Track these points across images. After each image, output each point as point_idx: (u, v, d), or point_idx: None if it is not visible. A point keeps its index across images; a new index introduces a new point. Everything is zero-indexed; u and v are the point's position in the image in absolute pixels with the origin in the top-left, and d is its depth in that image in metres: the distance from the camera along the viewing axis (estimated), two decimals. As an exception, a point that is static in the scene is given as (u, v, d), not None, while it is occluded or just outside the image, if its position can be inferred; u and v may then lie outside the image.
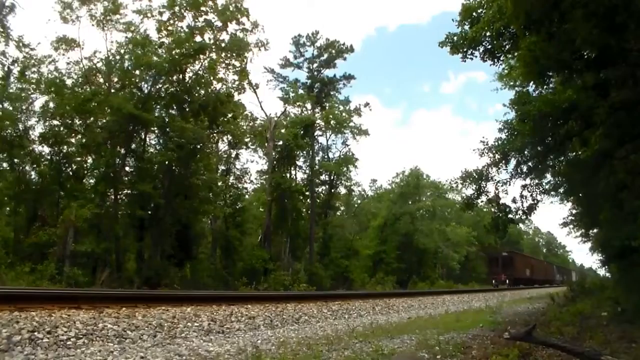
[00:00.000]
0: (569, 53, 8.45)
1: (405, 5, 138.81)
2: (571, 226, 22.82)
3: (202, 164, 22.00)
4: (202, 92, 22.35)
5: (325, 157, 34.83)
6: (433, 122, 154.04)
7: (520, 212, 12.14)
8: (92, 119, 20.28)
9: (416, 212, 42.46)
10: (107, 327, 6.52)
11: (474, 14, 10.55)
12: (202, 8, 21.68)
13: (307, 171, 32.94)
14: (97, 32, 21.02)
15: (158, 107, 21.73)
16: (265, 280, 22.91)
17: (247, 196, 31.63)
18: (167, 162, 20.24)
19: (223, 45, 22.56)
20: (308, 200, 32.26)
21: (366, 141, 77.79)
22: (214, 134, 24.47)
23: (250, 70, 25.61)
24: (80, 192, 19.31)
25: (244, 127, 28.72)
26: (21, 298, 7.14)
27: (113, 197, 20.23)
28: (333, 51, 33.66)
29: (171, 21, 21.72)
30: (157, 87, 21.46)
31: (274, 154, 29.13)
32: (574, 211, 19.64)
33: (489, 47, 10.54)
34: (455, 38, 10.74)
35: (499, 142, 11.68)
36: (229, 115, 24.32)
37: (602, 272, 29.95)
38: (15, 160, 19.12)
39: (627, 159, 9.32)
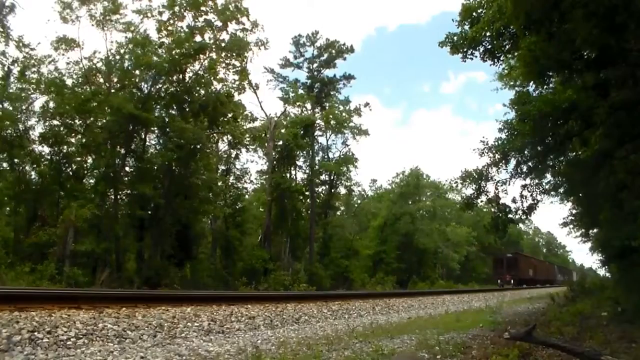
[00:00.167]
0: (569, 53, 8.46)
1: (405, 5, 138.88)
2: (571, 226, 22.79)
3: (202, 163, 22.02)
4: (202, 92, 22.36)
5: (325, 157, 34.90)
6: (433, 122, 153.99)
7: (520, 212, 12.14)
8: (92, 119, 20.29)
9: (416, 212, 42.50)
10: (107, 327, 6.51)
11: (474, 14, 10.54)
12: (202, 8, 21.69)
13: (307, 171, 32.98)
14: (97, 32, 21.09)
15: (158, 107, 21.75)
16: (265, 280, 22.92)
17: (247, 196, 31.68)
18: (167, 162, 20.26)
19: (223, 45, 22.57)
20: (308, 200, 32.28)
21: (366, 141, 77.95)
22: (214, 134, 24.48)
23: (250, 70, 25.69)
24: (80, 192, 19.32)
25: (244, 127, 28.74)
26: (21, 298, 7.13)
27: (113, 197, 20.24)
28: (333, 51, 33.70)
29: (171, 21, 21.75)
30: (157, 87, 21.49)
31: (274, 154, 29.14)
32: (574, 211, 19.62)
33: (489, 47, 10.53)
34: (455, 38, 10.73)
35: (499, 142, 11.67)
36: (229, 116, 24.33)
37: (602, 272, 29.94)
38: (15, 160, 19.13)
39: (627, 159, 9.31)
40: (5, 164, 19.57)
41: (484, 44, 10.48)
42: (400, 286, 33.30)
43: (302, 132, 29.95)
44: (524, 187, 12.06)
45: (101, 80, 21.26)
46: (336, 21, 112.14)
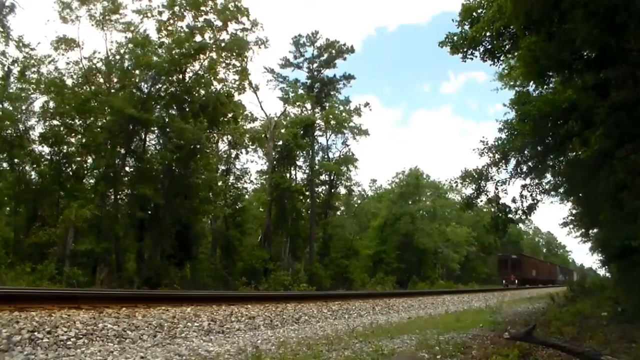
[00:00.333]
0: (569, 53, 8.45)
1: (405, 5, 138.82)
2: (571, 226, 22.78)
3: (202, 163, 22.01)
4: (202, 92, 22.36)
5: (325, 157, 34.91)
6: (433, 122, 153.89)
7: (520, 212, 12.14)
8: (92, 119, 20.30)
9: (416, 212, 42.50)
10: (107, 327, 6.51)
11: (474, 14, 10.54)
12: (202, 8, 21.68)
13: (307, 171, 32.98)
14: (96, 32, 21.09)
15: (158, 107, 21.75)
16: (265, 280, 22.92)
17: (247, 196, 31.66)
18: (167, 163, 20.25)
19: (223, 45, 22.57)
20: (308, 200, 32.28)
21: (366, 141, 77.85)
22: (214, 135, 24.48)
23: (250, 70, 25.67)
24: (80, 192, 19.33)
25: (244, 127, 28.74)
26: (21, 298, 7.13)
27: (113, 197, 20.24)
28: (333, 51, 33.70)
29: (171, 21, 21.74)
30: (157, 87, 21.48)
31: (274, 154, 29.14)
32: (574, 211, 19.62)
33: (489, 47, 10.53)
34: (455, 38, 10.72)
35: (499, 141, 11.67)
36: (229, 116, 24.32)
37: (602, 272, 29.94)
38: (15, 160, 19.14)
39: (627, 159, 9.30)
40: (5, 164, 19.60)
41: (484, 44, 10.47)
42: (400, 286, 33.30)
43: (302, 132, 29.96)
44: (523, 187, 12.07)
45: (101, 80, 21.26)
46: (336, 21, 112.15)
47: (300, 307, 11.30)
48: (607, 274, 22.34)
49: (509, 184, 11.74)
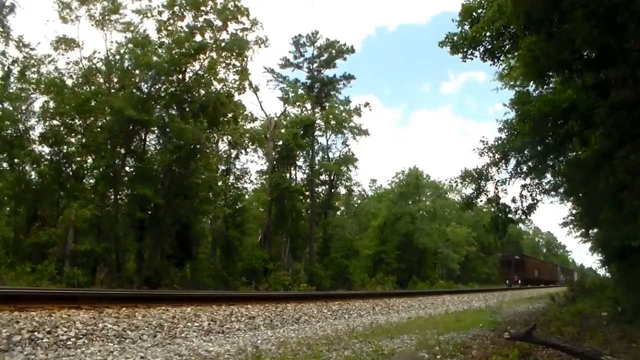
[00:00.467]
0: (569, 53, 8.45)
1: (405, 5, 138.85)
2: (571, 226, 22.79)
3: (202, 163, 22.00)
4: (202, 92, 22.35)
5: (325, 157, 34.87)
6: (433, 122, 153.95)
7: (520, 211, 12.13)
8: (92, 119, 20.29)
9: (416, 212, 42.49)
10: (107, 327, 6.51)
11: (474, 14, 10.53)
12: (202, 8, 21.67)
13: (307, 171, 32.95)
14: (96, 32, 21.09)
15: (158, 107, 21.73)
16: (265, 280, 22.92)
17: (247, 196, 31.65)
18: (166, 163, 20.25)
19: (223, 45, 22.56)
20: (308, 200, 32.26)
21: (366, 141, 77.78)
22: (214, 135, 24.48)
23: (250, 71, 25.64)
24: (80, 192, 19.32)
25: (244, 127, 28.71)
26: (21, 298, 7.13)
27: (113, 197, 20.24)
28: (333, 51, 33.67)
29: (171, 21, 21.73)
30: (157, 87, 21.46)
31: (274, 154, 29.13)
32: (574, 211, 19.62)
33: (489, 47, 10.52)
34: (455, 38, 10.72)
35: (499, 141, 11.66)
36: (229, 116, 24.31)
37: (602, 272, 29.95)
38: (15, 160, 19.13)
39: (627, 159, 9.31)
40: (5, 164, 19.58)
41: (484, 44, 10.46)
42: (400, 286, 33.29)
43: (302, 132, 29.94)
44: (523, 187, 12.07)
45: (101, 80, 21.26)
46: (336, 21, 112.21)
47: (300, 307, 11.30)
48: (607, 274, 22.36)
49: (509, 184, 11.75)
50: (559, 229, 62.84)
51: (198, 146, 20.89)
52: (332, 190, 35.16)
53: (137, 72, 20.78)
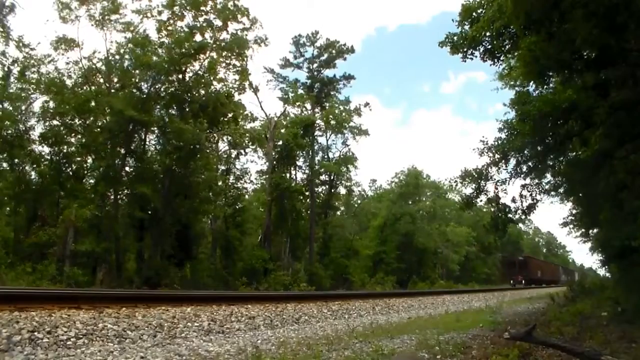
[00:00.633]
0: (569, 53, 8.45)
1: (405, 5, 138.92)
2: (571, 226, 22.79)
3: (202, 163, 22.00)
4: (202, 92, 22.35)
5: (325, 157, 34.89)
6: (433, 122, 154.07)
7: (519, 211, 12.14)
8: (92, 119, 20.28)
9: (416, 212, 42.49)
10: (107, 327, 6.51)
11: (474, 14, 10.53)
12: (202, 8, 21.67)
13: (307, 171, 32.96)
14: (96, 32, 21.09)
15: (158, 107, 21.73)
16: (265, 280, 22.92)
17: (247, 196, 31.64)
18: (166, 163, 20.24)
19: (223, 44, 22.56)
20: (308, 200, 32.26)
21: (366, 141, 77.74)
22: (214, 135, 24.47)
23: (250, 71, 25.60)
24: (80, 192, 19.33)
25: (244, 127, 28.68)
26: (21, 298, 7.13)
27: (113, 197, 20.23)
28: (333, 51, 33.69)
29: (171, 21, 21.72)
30: (157, 87, 21.46)
31: (273, 154, 29.12)
32: (574, 211, 19.61)
33: (489, 47, 10.51)
34: (455, 38, 10.71)
35: (499, 141, 11.66)
36: (229, 116, 24.31)
37: (602, 272, 29.96)
38: (15, 160, 19.12)
39: (627, 159, 9.31)
40: (5, 164, 19.57)
41: (484, 44, 10.46)
42: (400, 286, 33.29)
43: (302, 132, 29.93)
44: (523, 186, 12.07)
45: (101, 80, 21.25)
46: (336, 21, 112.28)
47: (300, 307, 11.30)
48: (607, 274, 22.36)
49: (508, 184, 11.75)
50: (559, 229, 63.11)
51: (198, 146, 20.89)
52: (332, 190, 35.16)
53: (137, 72, 20.78)
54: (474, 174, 11.85)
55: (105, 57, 20.79)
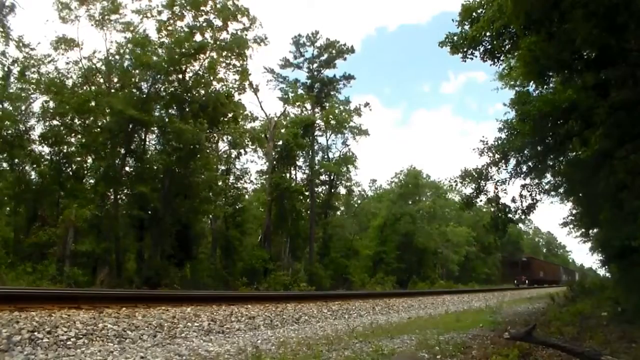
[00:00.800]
0: (569, 53, 8.46)
1: (405, 5, 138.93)
2: (571, 226, 22.80)
3: (202, 163, 22.00)
4: (202, 92, 22.34)
5: (325, 157, 34.88)
6: (433, 122, 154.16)
7: (519, 211, 12.15)
8: (92, 119, 20.28)
9: (416, 212, 42.49)
10: (107, 327, 6.51)
11: (474, 14, 10.53)
12: (202, 8, 21.66)
13: (307, 171, 32.95)
14: (96, 32, 21.07)
15: (158, 107, 21.73)
16: (265, 280, 22.91)
17: (247, 196, 31.64)
18: (166, 163, 20.24)
19: (223, 44, 22.55)
20: (308, 200, 32.25)
21: (366, 141, 77.64)
22: (214, 135, 24.47)
23: (250, 71, 25.54)
24: (80, 192, 19.31)
25: (244, 127, 28.68)
26: (21, 298, 7.13)
27: (113, 197, 20.23)
28: (333, 51, 33.67)
29: (171, 21, 21.71)
30: (157, 87, 21.45)
31: (273, 154, 29.12)
32: (574, 211, 19.62)
33: (489, 47, 10.51)
34: (455, 38, 10.71)
35: (499, 141, 11.67)
36: (229, 116, 24.31)
37: (602, 272, 29.97)
38: (15, 160, 19.11)
39: (627, 159, 9.31)
40: (5, 164, 19.56)
41: (484, 44, 10.46)
42: (400, 286, 33.28)
43: (302, 132, 29.93)
44: (523, 186, 12.08)
45: (101, 80, 21.25)
46: (336, 21, 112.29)
47: (300, 307, 11.31)
48: (607, 274, 22.37)
49: (508, 184, 11.76)
50: (559, 229, 63.24)
51: (198, 146, 20.88)
52: (332, 190, 35.16)
53: (137, 72, 20.75)
54: (474, 174, 11.85)
55: (105, 57, 20.79)
